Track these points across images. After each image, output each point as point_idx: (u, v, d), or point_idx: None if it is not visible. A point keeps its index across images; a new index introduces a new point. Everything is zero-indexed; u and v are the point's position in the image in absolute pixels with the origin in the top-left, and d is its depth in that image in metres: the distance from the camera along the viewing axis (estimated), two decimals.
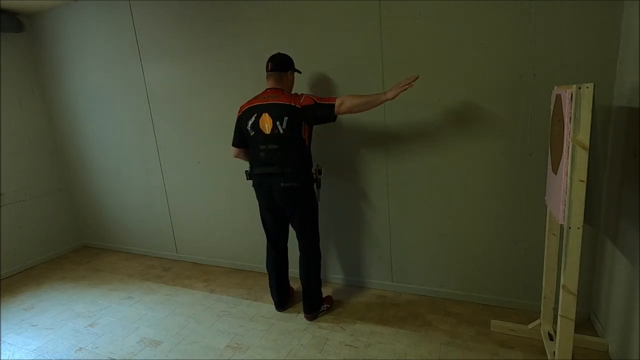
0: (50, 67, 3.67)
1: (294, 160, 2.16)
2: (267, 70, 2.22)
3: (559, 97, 1.58)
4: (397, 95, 1.94)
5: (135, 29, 3.10)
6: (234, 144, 2.34)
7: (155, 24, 2.99)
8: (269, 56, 2.24)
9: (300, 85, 2.49)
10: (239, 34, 2.68)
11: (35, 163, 3.71)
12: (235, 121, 2.31)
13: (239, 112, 2.26)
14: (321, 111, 2.08)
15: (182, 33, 2.90)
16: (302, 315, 2.42)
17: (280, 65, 2.21)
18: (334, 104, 2.06)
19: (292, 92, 2.22)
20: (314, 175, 2.30)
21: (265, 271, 2.57)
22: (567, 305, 1.52)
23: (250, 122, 2.18)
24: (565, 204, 1.46)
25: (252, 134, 2.19)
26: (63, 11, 3.42)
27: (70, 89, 3.61)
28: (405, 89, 1.92)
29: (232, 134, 2.33)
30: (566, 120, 1.43)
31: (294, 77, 2.30)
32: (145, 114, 3.26)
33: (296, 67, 2.29)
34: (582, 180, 1.40)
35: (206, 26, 2.78)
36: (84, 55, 3.43)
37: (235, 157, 2.40)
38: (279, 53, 2.25)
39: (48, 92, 3.77)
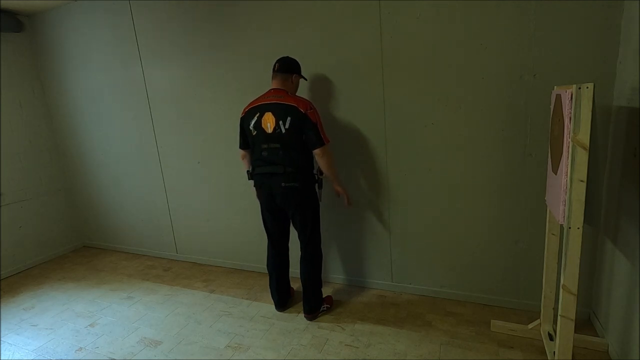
0: (50, 67, 3.67)
1: (295, 160, 2.16)
2: (273, 71, 2.24)
3: (559, 97, 1.58)
4: (341, 189, 2.30)
5: (135, 29, 3.10)
6: (240, 147, 2.38)
7: (155, 24, 2.99)
8: (272, 57, 2.24)
9: (301, 86, 2.49)
10: (239, 34, 2.68)
11: (35, 163, 3.71)
12: (238, 123, 2.34)
13: (242, 114, 2.28)
14: (314, 135, 2.10)
15: (182, 33, 2.90)
16: (302, 315, 2.42)
17: (287, 67, 2.22)
18: (324, 144, 2.11)
19: (301, 97, 2.22)
20: (316, 175, 2.30)
21: (266, 271, 2.57)
22: (567, 305, 1.52)
23: (252, 122, 2.19)
24: (565, 204, 1.46)
25: (254, 133, 2.20)
26: (63, 11, 3.42)
27: (70, 88, 3.61)
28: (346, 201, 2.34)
29: (233, 134, 2.34)
30: (566, 120, 1.43)
31: (298, 82, 2.32)
32: (145, 113, 3.26)
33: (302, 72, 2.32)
34: (582, 180, 1.39)
35: (206, 26, 2.78)
36: (84, 55, 3.43)
37: (243, 159, 2.45)
38: (287, 56, 2.29)
39: (48, 92, 3.77)
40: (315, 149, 2.12)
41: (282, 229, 2.41)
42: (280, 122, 2.11)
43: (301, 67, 2.32)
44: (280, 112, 2.11)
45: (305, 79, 2.39)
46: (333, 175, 2.23)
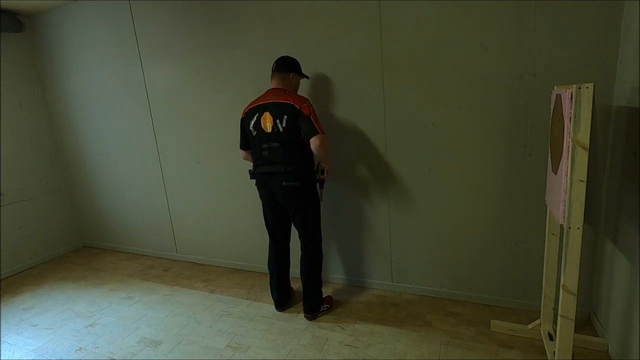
0: (50, 67, 3.67)
1: (296, 159, 2.17)
2: (272, 71, 2.26)
3: (559, 97, 1.58)
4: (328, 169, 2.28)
5: (135, 29, 3.10)
6: (240, 147, 2.40)
7: (155, 24, 2.99)
8: (273, 57, 2.25)
9: (301, 85, 2.49)
10: (239, 34, 2.68)
11: (35, 163, 3.71)
12: (238, 123, 2.35)
13: (242, 115, 2.29)
14: (308, 126, 2.09)
15: (181, 33, 2.90)
16: (302, 315, 2.42)
17: (284, 66, 2.23)
18: (317, 133, 2.08)
19: (299, 95, 2.22)
20: (316, 175, 2.30)
21: (266, 271, 2.57)
22: (567, 305, 1.52)
23: (252, 122, 2.20)
24: (565, 204, 1.46)
25: (254, 133, 2.21)
26: (63, 11, 3.42)
27: (70, 89, 3.61)
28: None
29: (233, 133, 2.34)
30: (566, 120, 1.43)
31: (298, 81, 2.32)
32: (145, 113, 3.26)
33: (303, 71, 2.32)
34: (582, 180, 1.39)
35: (206, 26, 2.78)
36: (84, 56, 3.43)
37: (244, 159, 2.46)
38: (286, 55, 2.30)
39: (48, 92, 3.77)
40: (311, 137, 2.10)
41: (283, 227, 2.42)
42: (277, 121, 2.12)
43: (301, 66, 2.32)
44: (277, 111, 2.12)
45: (307, 77, 2.39)
46: (328, 162, 2.26)
